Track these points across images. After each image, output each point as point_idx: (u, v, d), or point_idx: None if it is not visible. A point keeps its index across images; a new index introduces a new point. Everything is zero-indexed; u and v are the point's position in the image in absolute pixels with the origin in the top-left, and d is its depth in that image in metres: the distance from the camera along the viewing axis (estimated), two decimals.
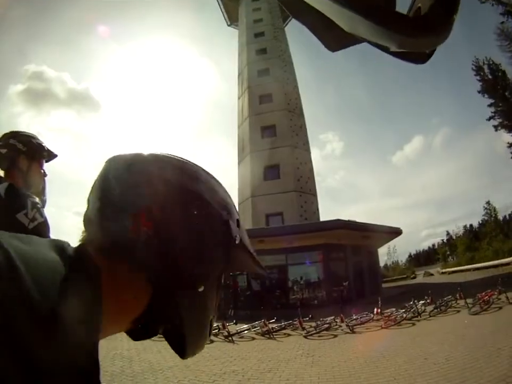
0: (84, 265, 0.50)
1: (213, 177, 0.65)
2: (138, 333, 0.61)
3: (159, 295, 0.55)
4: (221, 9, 44.12)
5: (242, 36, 37.46)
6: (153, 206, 0.54)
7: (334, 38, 0.59)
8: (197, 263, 0.56)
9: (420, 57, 0.60)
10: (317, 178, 31.30)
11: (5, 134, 1.90)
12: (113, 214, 0.54)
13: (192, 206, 0.57)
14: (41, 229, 1.74)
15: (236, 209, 0.67)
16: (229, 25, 45.37)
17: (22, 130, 1.97)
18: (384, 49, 0.57)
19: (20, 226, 1.62)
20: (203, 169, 0.64)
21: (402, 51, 0.57)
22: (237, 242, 0.62)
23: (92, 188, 0.59)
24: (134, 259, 0.53)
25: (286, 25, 38.85)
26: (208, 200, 0.58)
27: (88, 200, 0.59)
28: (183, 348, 0.61)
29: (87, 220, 0.58)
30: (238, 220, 0.65)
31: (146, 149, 0.61)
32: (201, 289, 0.57)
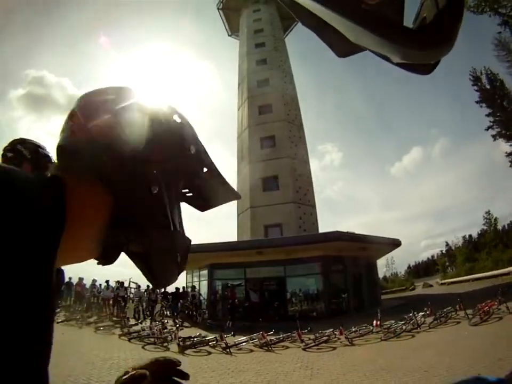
0: (50, 180, 0.57)
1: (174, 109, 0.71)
2: (106, 253, 0.63)
3: (118, 203, 0.59)
4: (222, 20, 44.61)
5: (243, 46, 37.82)
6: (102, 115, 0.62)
7: (341, 44, 0.60)
8: (146, 163, 0.61)
9: (424, 67, 0.61)
10: (315, 189, 31.36)
11: (15, 140, 1.93)
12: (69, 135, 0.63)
13: (143, 111, 0.65)
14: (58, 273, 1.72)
15: (194, 129, 0.73)
16: (229, 35, 45.85)
17: (32, 139, 2.01)
18: (388, 60, 0.57)
19: None
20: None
21: (406, 62, 0.58)
22: (192, 152, 0.68)
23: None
24: (85, 165, 0.59)
25: (286, 36, 39.26)
26: (161, 114, 0.67)
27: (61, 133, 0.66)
28: (151, 266, 0.65)
29: (60, 151, 0.64)
30: (195, 135, 0.72)
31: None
32: (155, 190, 0.61)
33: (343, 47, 0.63)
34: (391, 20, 0.55)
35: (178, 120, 0.69)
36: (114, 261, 0.66)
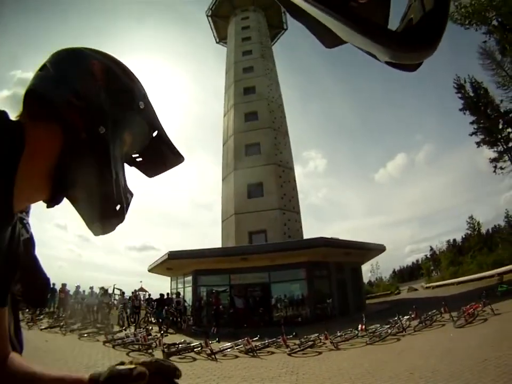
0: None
1: (124, 65, 0.78)
2: (53, 195, 0.66)
3: (68, 144, 0.64)
4: (211, 27, 44.77)
5: (230, 54, 38.02)
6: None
7: (329, 35, 0.60)
8: (97, 107, 0.67)
9: (410, 65, 0.62)
10: (299, 196, 31.48)
11: None
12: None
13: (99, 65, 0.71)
14: (26, 244, 1.67)
15: (143, 88, 0.78)
16: (217, 42, 46.05)
17: None
18: (375, 57, 0.58)
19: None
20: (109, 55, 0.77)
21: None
22: (141, 107, 0.74)
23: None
24: (46, 110, 0.64)
25: (274, 44, 39.52)
26: (116, 69, 0.74)
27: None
28: (90, 211, 0.69)
29: (25, 98, 0.68)
30: (146, 95, 0.78)
31: None
32: (102, 131, 0.66)
33: (331, 38, 0.63)
34: (375, 22, 0.55)
35: (131, 78, 0.76)
36: (59, 203, 0.69)
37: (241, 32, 38.25)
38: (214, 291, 21.45)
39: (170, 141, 0.81)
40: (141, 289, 24.49)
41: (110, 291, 22.11)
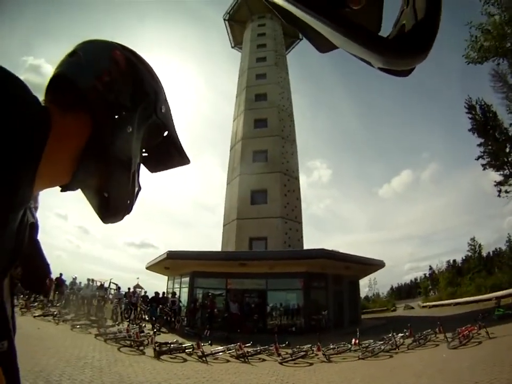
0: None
1: (146, 62, 0.79)
2: (74, 181, 0.68)
3: (95, 134, 0.66)
4: (227, 31, 45.16)
5: (244, 59, 38.31)
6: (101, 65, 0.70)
7: (323, 40, 0.60)
8: (124, 105, 0.70)
9: (403, 70, 0.61)
10: (302, 205, 31.45)
11: None
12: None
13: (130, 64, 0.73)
14: (31, 228, 1.73)
15: (164, 92, 0.81)
16: (233, 47, 46.45)
17: None
18: (369, 63, 0.58)
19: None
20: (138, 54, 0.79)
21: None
22: (163, 111, 0.77)
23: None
24: (73, 98, 0.66)
25: (289, 52, 39.67)
26: (141, 72, 0.75)
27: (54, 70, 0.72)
28: (105, 203, 0.71)
29: (50, 85, 0.70)
30: (166, 99, 0.80)
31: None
32: (129, 130, 0.70)
33: (325, 43, 0.63)
34: (367, 29, 0.55)
35: (156, 80, 0.79)
36: (75, 190, 0.71)
37: (256, 38, 38.57)
38: (210, 294, 21.42)
39: (179, 142, 0.84)
40: (137, 286, 24.50)
41: (106, 285, 22.12)
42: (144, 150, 0.83)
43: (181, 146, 0.84)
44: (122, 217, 0.77)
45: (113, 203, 0.72)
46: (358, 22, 0.60)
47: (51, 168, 0.60)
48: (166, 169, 0.87)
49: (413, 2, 0.58)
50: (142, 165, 0.84)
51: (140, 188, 0.78)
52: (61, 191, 0.70)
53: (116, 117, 0.68)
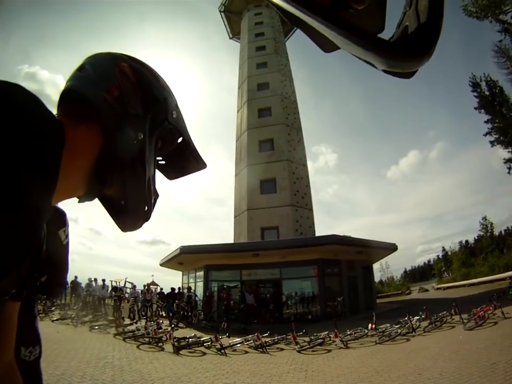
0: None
1: (154, 70, 0.82)
2: (89, 191, 0.71)
3: (108, 144, 0.69)
4: (224, 22, 44.83)
5: (243, 49, 38.03)
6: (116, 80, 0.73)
7: (327, 40, 0.61)
8: (135, 113, 0.73)
9: (405, 72, 0.63)
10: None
11: None
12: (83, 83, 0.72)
13: (138, 77, 0.76)
14: (68, 247, 1.88)
15: (175, 97, 0.84)
16: (231, 38, 46.05)
17: None
18: (372, 65, 0.60)
19: (57, 241, 1.77)
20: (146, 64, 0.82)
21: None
22: (174, 116, 0.80)
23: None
24: (85, 110, 0.69)
25: (288, 39, 39.30)
26: (150, 81, 0.78)
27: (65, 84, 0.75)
28: (123, 211, 0.74)
29: (61, 99, 0.74)
30: (177, 105, 0.83)
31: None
32: (140, 137, 0.72)
33: (329, 43, 0.65)
34: (369, 32, 0.56)
35: (165, 87, 0.81)
36: (92, 200, 0.75)
37: (254, 27, 38.21)
38: (225, 286, 21.56)
39: (194, 147, 0.86)
40: (152, 283, 24.71)
41: (121, 284, 22.32)
42: (160, 158, 0.85)
43: (196, 151, 0.86)
44: (141, 225, 0.79)
45: (131, 212, 0.74)
46: (361, 22, 0.62)
47: (66, 180, 0.61)
48: (184, 175, 0.89)
49: (416, 3, 0.59)
50: (160, 173, 0.87)
51: (157, 195, 0.79)
52: (79, 202, 0.73)
53: (127, 126, 0.71)
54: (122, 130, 0.70)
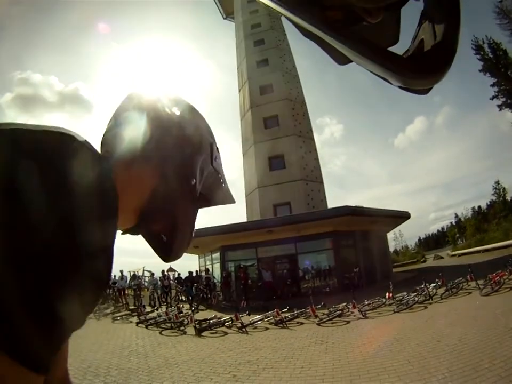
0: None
1: (201, 116, 0.84)
2: (138, 227, 0.73)
3: (161, 188, 0.71)
4: (216, 3, 43.94)
5: (239, 28, 37.30)
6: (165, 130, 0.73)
7: (341, 54, 0.59)
8: (192, 158, 0.75)
9: (422, 89, 0.60)
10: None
11: None
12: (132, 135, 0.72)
13: (188, 129, 0.76)
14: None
15: (216, 141, 0.86)
16: (224, 19, 45.24)
17: None
18: (387, 80, 0.58)
19: None
20: (194, 108, 0.83)
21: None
22: (217, 161, 0.84)
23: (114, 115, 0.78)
24: (134, 153, 0.70)
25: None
26: (200, 127, 0.80)
27: (110, 123, 0.77)
28: (167, 246, 0.76)
29: (108, 139, 0.75)
30: (218, 148, 0.86)
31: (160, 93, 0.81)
32: (193, 182, 0.75)
33: (343, 56, 0.62)
34: (384, 48, 0.56)
35: (210, 132, 0.84)
36: (137, 235, 0.77)
37: (247, 5, 37.18)
38: (241, 265, 21.69)
39: (226, 185, 0.90)
40: (170, 269, 24.90)
41: (139, 273, 22.61)
42: None
43: (227, 188, 0.90)
44: (181, 256, 0.82)
45: (175, 248, 0.77)
46: (374, 34, 0.61)
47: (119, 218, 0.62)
48: (211, 206, 0.90)
49: (432, 16, 0.58)
50: None
51: (194, 228, 0.82)
52: (122, 233, 0.74)
53: (181, 170, 0.73)
54: (176, 174, 0.73)
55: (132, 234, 0.75)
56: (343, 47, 0.55)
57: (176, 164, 0.73)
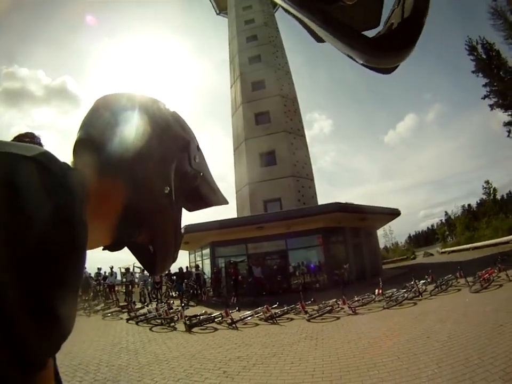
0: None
1: (175, 114, 0.77)
2: (116, 242, 0.69)
3: (134, 199, 0.66)
4: None
5: (232, 24, 37.06)
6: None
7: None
8: (164, 165, 0.69)
9: (385, 68, 0.64)
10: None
11: (22, 134, 1.85)
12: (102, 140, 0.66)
13: (161, 127, 0.71)
14: None
15: (196, 139, 0.80)
16: (218, 14, 44.91)
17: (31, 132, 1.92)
18: (353, 59, 0.59)
19: None
20: (165, 107, 0.76)
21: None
22: (196, 161, 0.77)
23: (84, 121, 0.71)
24: (105, 161, 0.65)
25: (276, 10, 38.49)
26: (171, 128, 0.73)
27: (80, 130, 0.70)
28: (153, 257, 0.73)
29: (78, 146, 0.69)
30: (198, 146, 0.79)
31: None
32: (166, 190, 0.69)
33: (317, 35, 0.66)
34: (351, 26, 0.56)
35: (187, 130, 0.77)
36: (119, 250, 0.73)
37: (241, 1, 37.13)
38: (232, 261, 21.73)
39: (215, 184, 0.84)
40: None
41: (130, 270, 22.54)
42: None
43: (217, 188, 0.84)
44: (170, 267, 0.80)
45: (161, 258, 0.73)
46: (355, 17, 0.65)
47: (92, 233, 0.57)
48: (202, 208, 0.87)
49: (403, 2, 0.59)
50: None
51: (182, 235, 0.77)
52: (103, 249, 0.70)
53: (152, 179, 0.67)
54: (147, 183, 0.67)
55: (114, 250, 0.72)
56: (312, 24, 0.57)
57: (146, 172, 0.67)
